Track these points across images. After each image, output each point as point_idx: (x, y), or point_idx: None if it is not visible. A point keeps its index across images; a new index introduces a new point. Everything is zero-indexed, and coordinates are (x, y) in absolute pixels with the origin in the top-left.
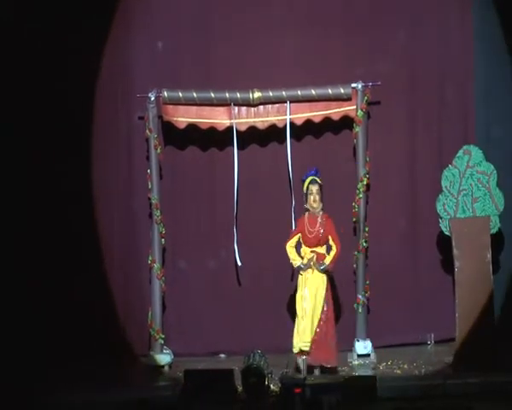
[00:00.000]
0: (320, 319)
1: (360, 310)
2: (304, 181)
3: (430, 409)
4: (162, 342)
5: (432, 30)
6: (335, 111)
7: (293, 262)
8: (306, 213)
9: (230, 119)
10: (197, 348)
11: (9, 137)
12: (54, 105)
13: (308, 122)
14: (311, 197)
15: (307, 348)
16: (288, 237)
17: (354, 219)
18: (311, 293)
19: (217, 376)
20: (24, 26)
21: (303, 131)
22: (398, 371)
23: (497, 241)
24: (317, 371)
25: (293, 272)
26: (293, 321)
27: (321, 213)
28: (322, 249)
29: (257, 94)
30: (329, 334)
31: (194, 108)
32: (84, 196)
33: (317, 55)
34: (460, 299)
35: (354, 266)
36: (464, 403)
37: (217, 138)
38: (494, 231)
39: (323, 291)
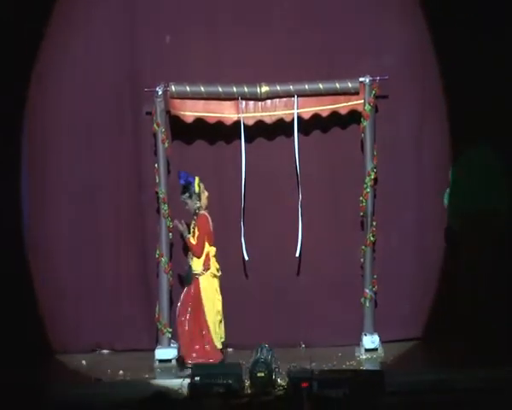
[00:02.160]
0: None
1: (367, 304)
2: (192, 181)
3: (437, 403)
4: (169, 335)
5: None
6: (343, 105)
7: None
8: (203, 212)
9: (238, 113)
10: None
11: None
12: (61, 100)
13: (316, 116)
14: (205, 194)
15: None
16: (201, 246)
17: (362, 214)
18: None
19: (224, 370)
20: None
21: (310, 125)
22: (406, 366)
23: (506, 235)
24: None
25: (299, 267)
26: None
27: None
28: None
29: (264, 88)
30: None
31: (202, 102)
32: (91, 191)
33: (324, 49)
34: (466, 293)
35: (361, 260)
36: (471, 397)
37: (224, 132)
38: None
39: None
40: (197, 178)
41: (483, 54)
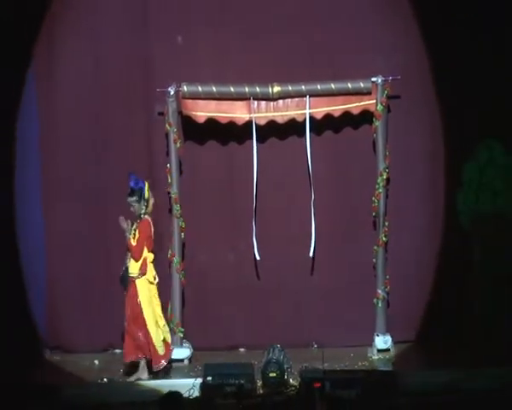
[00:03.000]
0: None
1: (380, 305)
2: (143, 187)
3: (450, 404)
4: (182, 335)
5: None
6: (355, 105)
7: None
8: (146, 216)
9: (250, 113)
10: (217, 342)
11: None
12: (73, 101)
13: (328, 116)
14: (151, 201)
15: None
16: (140, 249)
17: (374, 214)
18: None
19: (236, 370)
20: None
21: (322, 125)
22: (418, 367)
23: None
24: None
25: (313, 266)
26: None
27: None
28: None
29: (276, 88)
30: None
31: (214, 102)
32: (103, 192)
33: (335, 49)
34: (480, 296)
35: (374, 260)
36: (484, 398)
37: (236, 133)
38: None
39: None
40: (147, 184)
41: (492, 53)
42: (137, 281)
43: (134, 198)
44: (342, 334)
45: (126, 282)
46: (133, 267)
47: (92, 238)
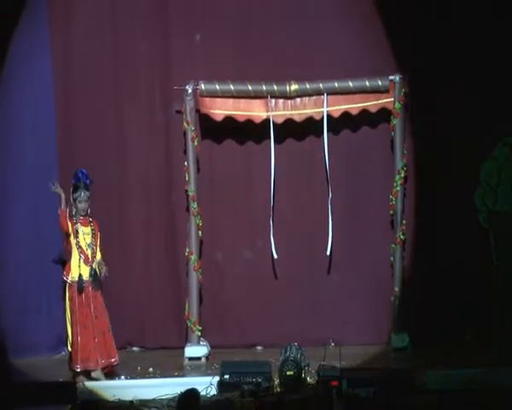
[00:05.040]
0: None
1: (397, 303)
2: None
3: (471, 403)
4: (199, 333)
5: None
6: (373, 103)
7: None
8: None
9: (267, 111)
10: (234, 340)
11: None
12: (90, 99)
13: (345, 114)
14: None
15: None
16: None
17: (391, 212)
18: None
19: (253, 368)
20: None
21: (340, 123)
22: (436, 365)
23: None
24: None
25: (330, 265)
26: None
27: None
28: None
29: (294, 86)
30: None
31: (231, 100)
32: (121, 190)
33: (354, 47)
34: (500, 295)
35: (391, 258)
36: (503, 397)
37: (254, 131)
38: None
39: None
40: None
41: None
42: None
43: (88, 194)
44: (360, 332)
45: (82, 288)
46: (86, 271)
47: (111, 236)
